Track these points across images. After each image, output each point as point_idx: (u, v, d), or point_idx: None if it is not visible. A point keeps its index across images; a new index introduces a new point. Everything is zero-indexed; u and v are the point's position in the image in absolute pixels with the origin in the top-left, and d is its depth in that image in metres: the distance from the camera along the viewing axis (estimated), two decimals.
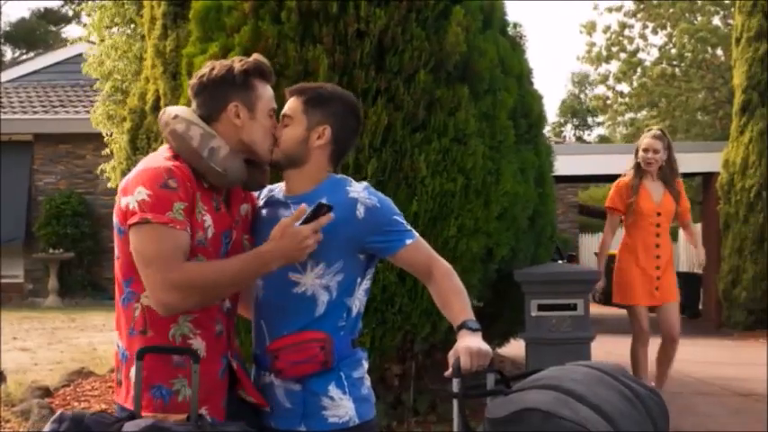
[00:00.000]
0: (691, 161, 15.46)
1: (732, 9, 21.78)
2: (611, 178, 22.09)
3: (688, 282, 17.01)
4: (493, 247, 5.11)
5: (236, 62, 2.56)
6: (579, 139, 38.43)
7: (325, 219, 2.39)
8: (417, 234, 2.61)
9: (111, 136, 9.53)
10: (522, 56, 5.85)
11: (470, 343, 2.37)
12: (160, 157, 2.47)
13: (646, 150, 6.19)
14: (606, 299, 16.47)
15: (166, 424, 2.33)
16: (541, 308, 5.40)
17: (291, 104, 2.62)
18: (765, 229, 13.37)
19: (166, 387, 2.43)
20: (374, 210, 2.52)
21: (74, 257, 16.41)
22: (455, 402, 2.39)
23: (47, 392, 6.69)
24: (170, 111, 2.58)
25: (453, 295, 2.53)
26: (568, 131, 39.51)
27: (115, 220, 2.45)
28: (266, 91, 2.58)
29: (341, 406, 2.51)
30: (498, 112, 5.20)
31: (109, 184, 9.16)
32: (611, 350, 7.47)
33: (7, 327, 12.14)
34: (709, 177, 15.27)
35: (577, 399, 2.10)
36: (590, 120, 39.62)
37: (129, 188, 2.39)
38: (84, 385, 7.03)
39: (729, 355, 11.08)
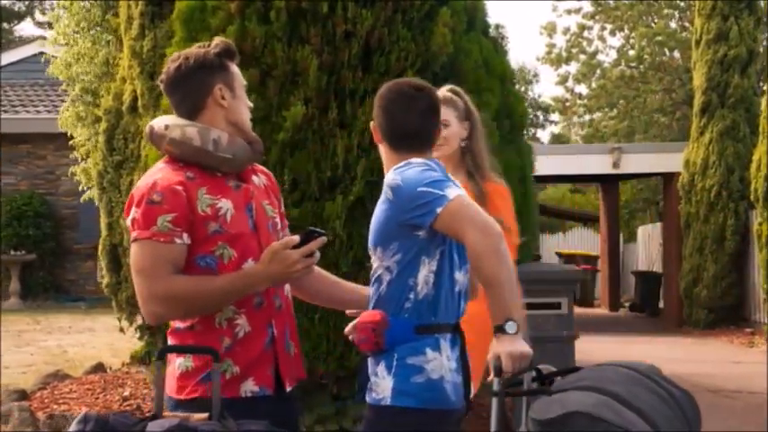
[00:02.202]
0: (650, 161, 15.79)
1: (689, 12, 22.18)
2: (568, 179, 22.28)
3: (647, 280, 17.30)
4: None
5: (208, 48, 2.65)
6: (533, 138, 38.72)
7: (315, 244, 2.49)
8: (451, 197, 2.50)
9: (77, 138, 9.45)
10: (504, 57, 5.91)
11: (512, 348, 2.40)
12: (153, 170, 2.59)
13: None
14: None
15: (191, 424, 2.34)
16: (525, 307, 5.44)
17: None
18: (725, 229, 13.65)
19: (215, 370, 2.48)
20: (398, 188, 2.58)
21: (35, 259, 16.20)
22: (494, 401, 2.43)
23: (23, 395, 6.61)
24: (156, 124, 2.65)
25: (487, 286, 2.47)
26: None
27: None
28: (237, 69, 2.72)
29: (381, 384, 2.58)
30: (483, 113, 5.25)
31: (81, 187, 9.07)
32: (590, 350, 7.58)
33: None
34: (669, 177, 15.54)
35: (621, 402, 2.14)
36: (540, 118, 39.92)
37: (128, 207, 2.54)
38: (61, 387, 6.96)
39: (693, 352, 11.30)
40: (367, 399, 2.65)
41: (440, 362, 2.56)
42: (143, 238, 2.47)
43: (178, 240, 2.47)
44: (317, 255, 2.52)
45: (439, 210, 2.49)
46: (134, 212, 2.50)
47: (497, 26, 6.51)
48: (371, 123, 2.82)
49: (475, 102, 5.23)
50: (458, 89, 3.82)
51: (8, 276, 16.16)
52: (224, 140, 2.58)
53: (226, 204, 2.55)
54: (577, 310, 16.65)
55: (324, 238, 2.50)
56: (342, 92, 4.96)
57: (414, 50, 5.03)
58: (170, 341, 2.58)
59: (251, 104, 2.74)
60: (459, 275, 2.67)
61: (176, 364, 2.53)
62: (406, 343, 2.56)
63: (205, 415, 2.43)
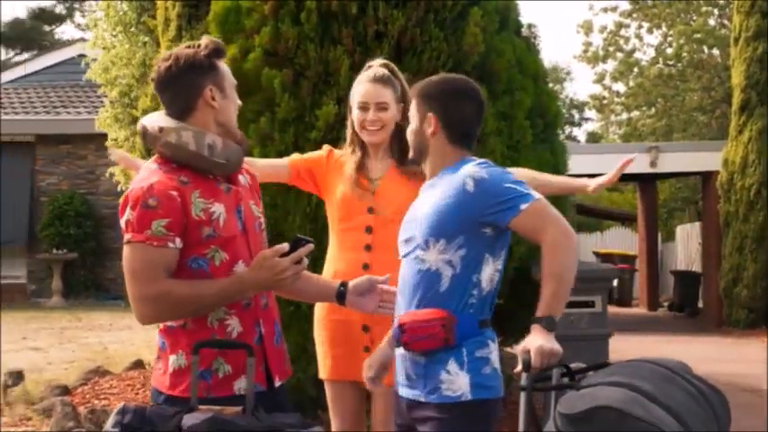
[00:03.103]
0: (688, 160, 15.64)
1: (728, 9, 21.91)
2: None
3: (686, 280, 17.13)
4: (511, 245, 5.17)
5: (197, 48, 2.66)
6: (569, 136, 38.46)
7: (303, 251, 2.52)
8: (537, 197, 2.56)
9: (115, 140, 9.58)
10: (537, 56, 5.91)
11: (543, 342, 2.44)
12: (146, 172, 2.61)
13: (363, 107, 3.31)
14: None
15: (226, 417, 2.41)
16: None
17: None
18: (765, 228, 13.49)
19: (207, 369, 2.56)
20: (482, 182, 2.59)
21: (77, 258, 16.43)
22: (522, 396, 2.46)
23: (66, 391, 6.75)
24: (149, 123, 2.66)
25: (547, 280, 2.52)
26: None
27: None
28: (226, 67, 2.73)
29: (456, 381, 2.59)
30: (516, 112, 5.27)
31: (119, 187, 9.20)
32: (626, 348, 7.54)
33: (15, 327, 12.17)
34: (708, 176, 15.39)
35: (649, 398, 2.14)
36: (576, 117, 39.62)
37: (122, 208, 2.57)
38: (102, 383, 7.09)
39: (731, 352, 11.19)
40: (428, 399, 2.63)
41: (496, 352, 2.66)
42: (136, 241, 2.50)
43: (171, 245, 2.51)
44: (306, 262, 2.57)
45: (523, 206, 2.53)
46: (128, 214, 2.53)
47: (530, 25, 6.53)
48: (416, 114, 2.79)
49: (508, 101, 5.29)
50: (392, 66, 3.43)
51: (50, 275, 16.44)
52: (219, 145, 2.61)
53: (218, 209, 2.59)
54: (615, 309, 16.59)
55: (311, 246, 2.54)
56: None
57: (446, 50, 5.05)
58: (162, 339, 2.62)
59: (240, 102, 2.76)
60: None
61: (170, 361, 2.58)
62: (472, 337, 2.61)
63: (238, 408, 2.50)
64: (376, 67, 3.37)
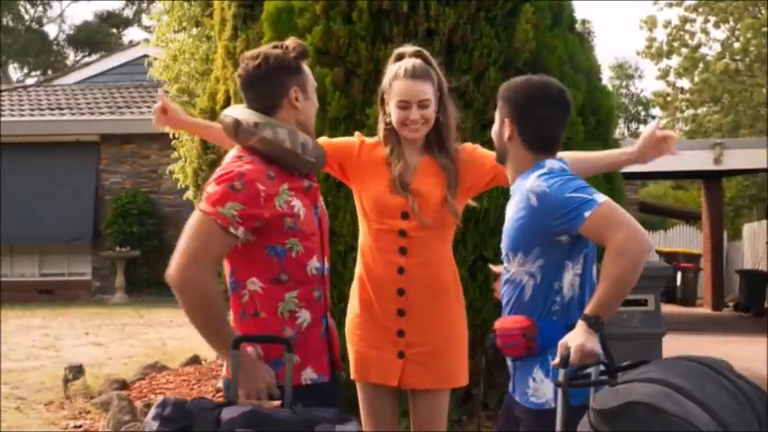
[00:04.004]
0: (755, 157, 15.28)
1: None
2: (669, 175, 21.72)
3: (752, 279, 16.75)
4: None
5: (285, 49, 2.74)
6: (634, 134, 37.89)
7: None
8: (600, 202, 2.52)
9: (177, 138, 9.71)
10: (590, 52, 5.84)
11: (584, 341, 2.45)
12: (239, 160, 2.66)
13: (404, 106, 3.15)
14: (669, 298, 16.19)
15: (264, 410, 2.44)
16: None
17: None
18: None
19: (278, 358, 2.62)
20: (543, 195, 2.60)
21: (139, 255, 16.73)
22: (558, 392, 2.45)
23: (123, 385, 6.89)
24: (244, 119, 2.70)
25: (603, 279, 2.50)
26: (621, 125, 38.85)
27: None
28: (308, 70, 2.82)
29: (541, 389, 2.66)
30: None
31: (179, 185, 9.33)
32: (682, 348, 7.41)
33: (79, 323, 12.47)
34: None
35: (683, 394, 2.11)
36: (642, 113, 39.02)
37: (212, 180, 2.62)
38: (159, 378, 7.22)
39: None
40: (520, 400, 2.71)
41: None
42: (205, 213, 2.55)
43: (232, 230, 2.54)
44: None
45: (587, 213, 2.51)
46: (212, 187, 2.59)
47: (584, 21, 6.46)
48: (498, 117, 2.79)
49: None
50: (425, 53, 3.27)
51: (114, 272, 16.78)
52: (310, 144, 2.72)
53: (298, 204, 2.66)
54: (679, 309, 16.28)
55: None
56: None
57: (497, 47, 5.03)
58: (236, 330, 2.66)
59: (317, 105, 2.85)
60: (594, 271, 2.72)
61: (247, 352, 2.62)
62: (557, 344, 2.59)
63: (277, 402, 2.53)
64: (409, 57, 3.21)
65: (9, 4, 33.05)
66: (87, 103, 18.24)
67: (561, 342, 2.50)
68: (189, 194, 8.32)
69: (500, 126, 2.78)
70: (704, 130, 24.98)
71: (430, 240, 3.10)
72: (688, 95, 26.04)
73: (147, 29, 34.04)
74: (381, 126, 3.28)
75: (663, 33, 25.69)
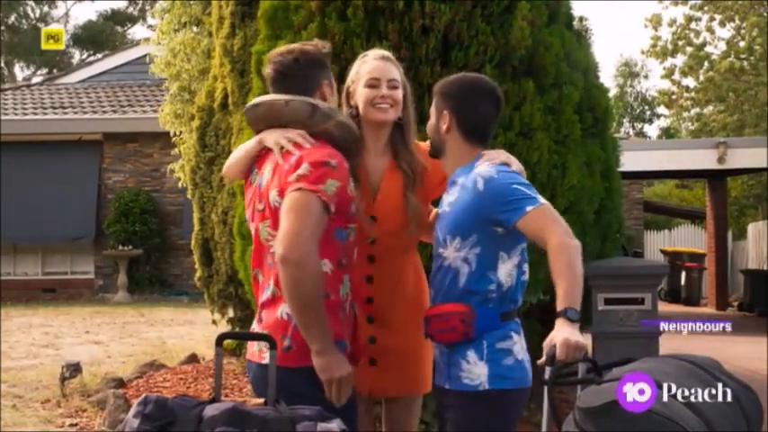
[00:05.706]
0: (759, 156, 15.22)
1: None
2: (673, 174, 21.67)
3: (757, 279, 16.69)
4: None
5: (316, 46, 2.88)
6: (640, 133, 37.78)
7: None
8: (543, 201, 2.63)
9: (179, 136, 9.69)
10: (588, 49, 5.82)
11: (569, 335, 2.45)
12: (311, 146, 2.69)
13: (374, 84, 3.06)
14: (673, 297, 16.18)
15: (246, 408, 2.42)
16: (608, 302, 5.38)
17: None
18: None
19: (344, 341, 2.69)
20: (490, 180, 2.66)
21: (142, 254, 16.74)
22: (545, 389, 2.45)
23: (120, 383, 6.88)
24: (320, 104, 2.74)
25: (558, 276, 2.56)
26: (626, 124, 38.72)
27: (277, 199, 2.64)
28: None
29: (474, 371, 2.67)
30: (564, 106, 5.19)
31: (180, 184, 9.32)
32: (682, 348, 7.37)
33: (80, 321, 12.47)
34: None
35: (669, 393, 2.10)
36: (647, 112, 38.88)
37: (292, 168, 2.63)
38: (156, 377, 7.21)
39: None
40: (451, 386, 2.73)
41: (521, 344, 2.73)
42: (309, 190, 2.56)
43: (332, 208, 2.59)
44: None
45: (529, 209, 2.60)
46: (304, 169, 2.59)
47: (581, 18, 6.40)
48: (434, 111, 2.88)
49: (556, 95, 5.20)
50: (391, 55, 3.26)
51: (116, 271, 16.78)
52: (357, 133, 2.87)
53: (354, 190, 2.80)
54: (682, 309, 16.20)
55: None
56: (420, 86, 4.98)
57: (492, 44, 5.01)
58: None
59: (337, 101, 2.97)
60: (526, 266, 2.81)
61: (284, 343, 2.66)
62: (493, 330, 2.68)
63: (261, 400, 2.51)
64: (377, 50, 3.28)
65: (14, 3, 33.11)
66: (90, 102, 18.24)
67: (545, 342, 2.50)
68: (189, 193, 8.30)
69: (438, 118, 2.84)
70: (709, 128, 24.89)
71: (397, 247, 3.03)
72: (693, 94, 25.94)
73: (151, 27, 34.17)
74: None
75: (668, 32, 25.63)
